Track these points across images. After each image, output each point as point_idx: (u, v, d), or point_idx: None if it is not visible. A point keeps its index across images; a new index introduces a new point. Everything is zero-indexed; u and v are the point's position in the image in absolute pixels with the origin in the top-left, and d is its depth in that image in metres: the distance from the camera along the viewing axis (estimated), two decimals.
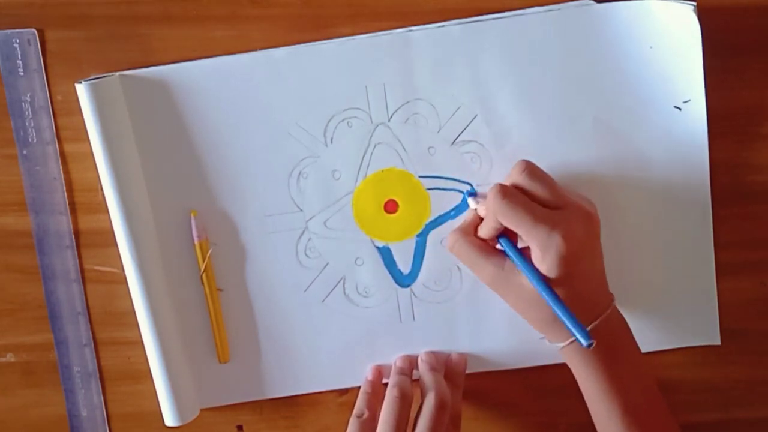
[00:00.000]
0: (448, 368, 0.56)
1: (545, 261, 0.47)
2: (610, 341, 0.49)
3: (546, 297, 0.47)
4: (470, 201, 0.53)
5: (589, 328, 0.47)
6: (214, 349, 0.56)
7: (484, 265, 0.50)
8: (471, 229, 0.52)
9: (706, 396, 0.59)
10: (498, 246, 0.51)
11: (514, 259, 0.49)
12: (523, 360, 0.57)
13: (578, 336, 0.46)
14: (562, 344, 0.50)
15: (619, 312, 0.51)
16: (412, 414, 0.52)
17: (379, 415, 0.52)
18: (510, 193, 0.48)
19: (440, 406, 0.51)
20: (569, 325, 0.46)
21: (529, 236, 0.47)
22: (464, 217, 0.54)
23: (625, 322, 0.51)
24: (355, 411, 0.54)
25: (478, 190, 0.54)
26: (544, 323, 0.50)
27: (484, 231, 0.51)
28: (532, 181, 0.48)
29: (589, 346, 0.45)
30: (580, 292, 0.48)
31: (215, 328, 0.56)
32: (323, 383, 0.58)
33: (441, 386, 0.53)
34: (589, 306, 0.48)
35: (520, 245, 0.50)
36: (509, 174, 0.50)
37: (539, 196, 0.48)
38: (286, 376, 0.57)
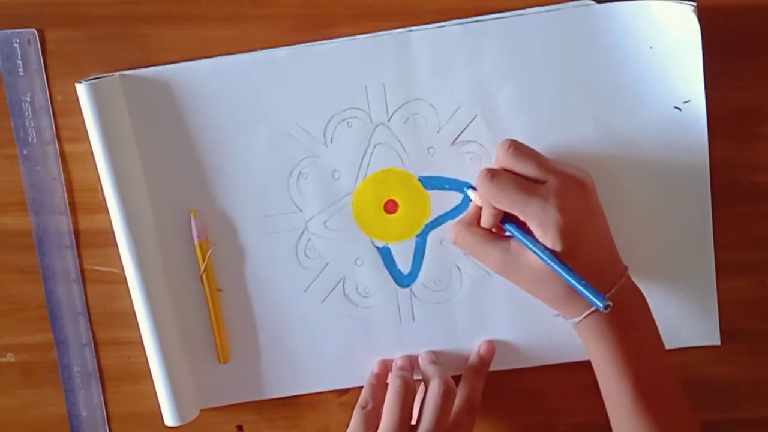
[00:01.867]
0: (476, 357, 0.56)
1: (547, 235, 0.47)
2: (625, 312, 0.49)
3: (556, 268, 0.46)
4: (470, 193, 0.53)
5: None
6: (214, 349, 0.56)
7: (489, 251, 0.50)
8: (473, 220, 0.52)
9: (706, 396, 0.59)
10: (503, 233, 0.51)
11: (520, 238, 0.48)
12: (523, 360, 0.57)
13: (593, 299, 0.45)
14: (577, 319, 0.49)
15: (634, 283, 0.50)
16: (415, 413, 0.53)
17: (383, 406, 0.52)
18: (498, 175, 0.48)
19: (445, 393, 0.51)
20: (582, 290, 0.46)
21: (524, 214, 0.47)
22: (467, 211, 0.54)
23: (641, 294, 0.50)
24: (359, 401, 0.54)
25: None
26: (557, 299, 0.49)
27: (485, 219, 0.51)
28: (519, 158, 0.49)
29: (606, 308, 0.45)
30: (588, 262, 0.47)
31: (215, 329, 0.56)
32: (323, 383, 0.58)
33: (444, 375, 0.53)
34: (601, 276, 0.48)
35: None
36: (496, 156, 0.50)
37: (528, 173, 0.48)
38: (286, 376, 0.57)
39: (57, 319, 0.57)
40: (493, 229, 0.51)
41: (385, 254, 0.56)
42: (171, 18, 0.53)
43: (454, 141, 0.54)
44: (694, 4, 0.51)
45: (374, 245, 0.56)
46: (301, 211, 0.55)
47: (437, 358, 0.57)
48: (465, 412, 0.53)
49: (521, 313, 0.56)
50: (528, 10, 0.52)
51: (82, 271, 0.56)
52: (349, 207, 0.55)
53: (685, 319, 0.57)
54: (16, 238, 0.56)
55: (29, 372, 0.58)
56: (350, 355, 0.57)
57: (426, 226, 0.55)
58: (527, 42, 0.52)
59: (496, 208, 0.49)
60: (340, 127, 0.54)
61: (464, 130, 0.54)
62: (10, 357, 0.58)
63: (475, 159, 0.54)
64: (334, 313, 0.56)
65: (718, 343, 0.57)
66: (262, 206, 0.55)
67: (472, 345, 0.57)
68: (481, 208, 0.51)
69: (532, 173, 0.48)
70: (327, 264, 0.56)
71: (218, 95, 0.53)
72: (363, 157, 0.54)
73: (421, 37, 0.53)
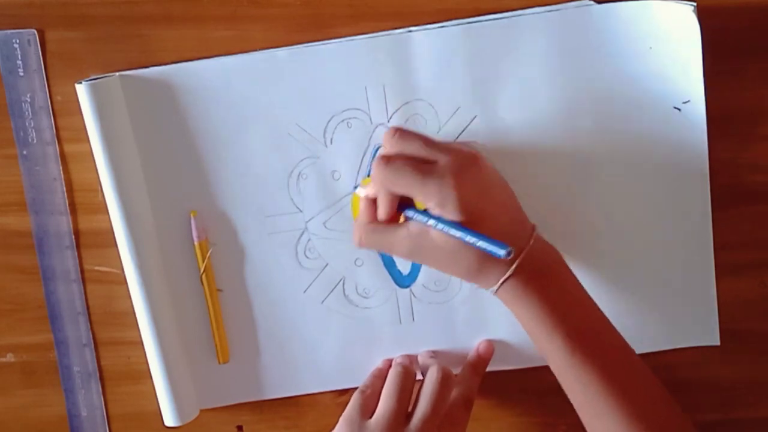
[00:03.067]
0: (474, 355, 0.56)
1: (447, 212, 0.46)
2: (542, 271, 0.48)
3: (456, 233, 0.46)
4: (358, 191, 0.51)
5: (516, 263, 0.47)
6: (213, 350, 0.56)
7: (395, 241, 0.49)
8: (370, 218, 0.50)
9: (706, 396, 0.59)
10: (402, 219, 0.49)
11: (421, 217, 0.48)
12: (523, 360, 0.57)
13: (494, 249, 0.45)
14: (495, 286, 0.48)
15: (545, 241, 0.50)
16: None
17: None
18: (392, 159, 0.47)
19: (443, 379, 0.52)
20: (483, 244, 0.45)
21: (422, 194, 0.47)
22: (360, 211, 0.51)
23: (555, 250, 0.50)
24: (360, 387, 0.54)
25: None
26: (471, 270, 0.48)
27: (382, 211, 0.49)
28: (407, 141, 0.48)
29: (508, 254, 0.44)
30: (493, 231, 0.46)
31: (215, 329, 0.56)
32: (323, 384, 0.58)
33: (443, 365, 0.53)
34: (509, 241, 0.47)
35: None
36: (383, 146, 0.49)
37: (419, 154, 0.47)
38: (285, 376, 0.57)
39: (57, 319, 0.57)
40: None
41: (385, 255, 0.56)
42: (171, 18, 0.53)
43: (454, 141, 0.54)
44: (694, 4, 0.51)
45: None
46: (301, 211, 0.55)
47: (435, 354, 0.57)
48: (461, 406, 0.53)
49: None
50: (528, 11, 0.52)
51: (82, 271, 0.57)
52: (349, 207, 0.55)
53: (685, 319, 0.57)
54: (16, 238, 0.56)
55: (29, 372, 0.58)
56: (350, 356, 0.57)
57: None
58: (527, 42, 0.52)
59: (391, 195, 0.48)
60: (340, 127, 0.54)
61: (464, 130, 0.54)
62: (10, 357, 0.58)
63: None
64: (334, 313, 0.56)
65: (718, 343, 0.57)
66: (262, 206, 0.55)
67: (472, 345, 0.57)
68: (373, 205, 0.50)
69: (423, 153, 0.47)
70: (327, 264, 0.56)
71: (218, 95, 0.53)
72: (363, 158, 0.54)
73: (421, 38, 0.53)
